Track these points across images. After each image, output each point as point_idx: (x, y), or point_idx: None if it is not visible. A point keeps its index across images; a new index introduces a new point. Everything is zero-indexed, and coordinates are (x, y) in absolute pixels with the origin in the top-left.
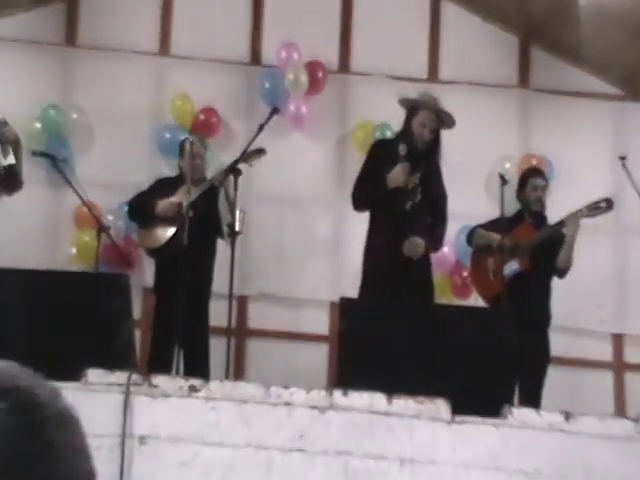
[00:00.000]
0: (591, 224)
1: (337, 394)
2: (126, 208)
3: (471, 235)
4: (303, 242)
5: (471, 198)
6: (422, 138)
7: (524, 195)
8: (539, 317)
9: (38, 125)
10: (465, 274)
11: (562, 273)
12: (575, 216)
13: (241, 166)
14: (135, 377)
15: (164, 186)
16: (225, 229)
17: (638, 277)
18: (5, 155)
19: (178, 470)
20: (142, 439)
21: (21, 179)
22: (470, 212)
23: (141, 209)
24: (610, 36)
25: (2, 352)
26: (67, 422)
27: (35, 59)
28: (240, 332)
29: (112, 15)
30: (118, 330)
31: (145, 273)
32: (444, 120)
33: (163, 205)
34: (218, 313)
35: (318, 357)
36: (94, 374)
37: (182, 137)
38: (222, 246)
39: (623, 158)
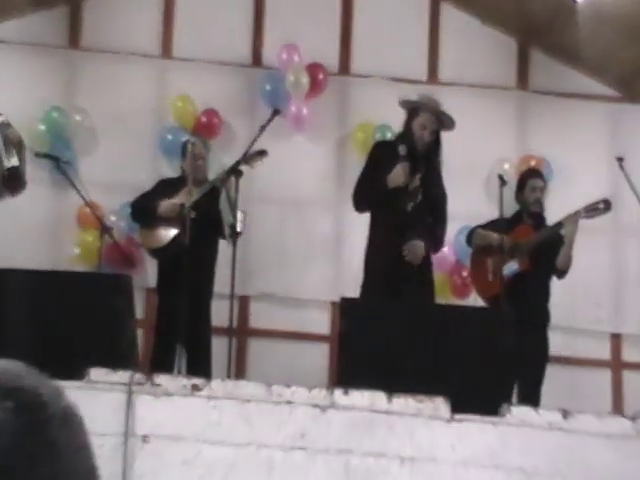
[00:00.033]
0: (589, 225)
1: (338, 393)
2: (129, 209)
3: (471, 235)
4: (304, 243)
5: (470, 199)
6: (422, 139)
7: (523, 196)
8: (538, 317)
9: (42, 127)
10: (465, 274)
11: (561, 274)
12: (573, 217)
13: (243, 167)
14: (138, 376)
15: (166, 187)
16: (227, 230)
17: (636, 277)
18: (9, 157)
19: (180, 469)
20: (145, 438)
21: (24, 180)
22: (469, 213)
23: (144, 210)
24: (607, 38)
25: (6, 352)
26: (70, 421)
27: (39, 62)
28: (242, 332)
29: (115, 18)
30: (121, 330)
31: (147, 273)
32: (444, 122)
33: (165, 206)
34: (220, 313)
35: (319, 356)
36: (97, 373)
37: (184, 138)
38: (224, 246)
39: (620, 159)
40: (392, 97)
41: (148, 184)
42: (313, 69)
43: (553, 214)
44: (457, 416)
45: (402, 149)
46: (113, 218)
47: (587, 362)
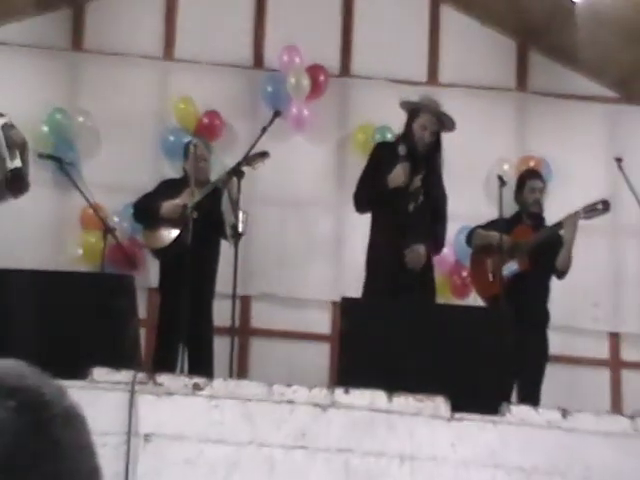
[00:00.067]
0: (588, 225)
1: (338, 392)
2: (131, 210)
3: (470, 236)
4: (305, 243)
5: (470, 199)
6: (423, 140)
7: (522, 197)
8: (538, 317)
9: (45, 128)
10: (464, 274)
11: (561, 274)
12: (573, 218)
13: (244, 168)
14: (140, 376)
15: (169, 188)
16: (228, 230)
17: (634, 277)
18: (12, 158)
19: (183, 468)
20: (147, 437)
21: (27, 182)
22: (469, 213)
23: (146, 211)
24: (605, 40)
25: (10, 351)
26: (73, 420)
27: (42, 64)
28: (243, 331)
29: (117, 21)
30: (123, 329)
31: (150, 273)
32: (445, 123)
33: (168, 207)
34: (222, 313)
35: (320, 356)
36: (100, 373)
37: (186, 140)
38: (225, 247)
39: (619, 160)
40: (392, 98)
41: (150, 185)
42: (314, 71)
43: (552, 214)
44: (457, 415)
45: (402, 149)
46: (116, 219)
47: (586, 361)
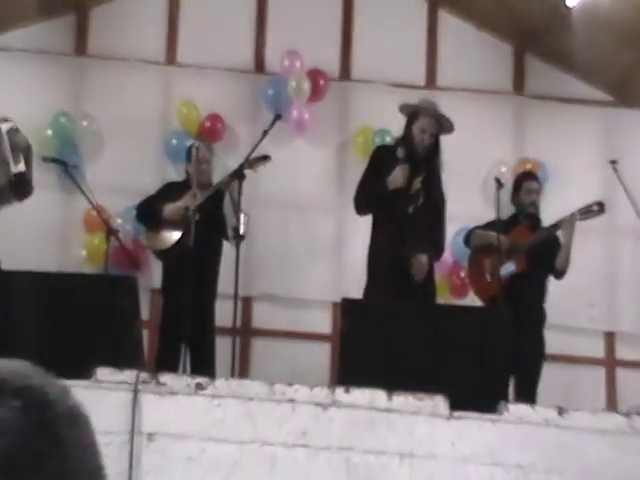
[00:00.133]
0: (584, 226)
1: (339, 391)
2: (134, 212)
3: (468, 236)
4: (306, 244)
5: (468, 201)
6: (422, 143)
7: (519, 198)
8: (535, 317)
9: (49, 132)
10: (462, 275)
11: (560, 274)
12: (569, 220)
13: (246, 171)
14: (143, 375)
15: (171, 190)
16: (230, 232)
17: (629, 277)
18: (16, 162)
19: (185, 466)
20: (150, 436)
21: (31, 186)
22: (467, 214)
23: (149, 212)
24: (601, 44)
25: (15, 352)
26: (77, 419)
27: (46, 69)
28: (245, 332)
29: (120, 26)
30: (126, 330)
31: (153, 275)
32: (443, 125)
33: (170, 209)
34: (223, 313)
35: (321, 356)
36: (103, 372)
37: (189, 143)
38: (227, 248)
39: (614, 162)
40: (391, 102)
41: (153, 188)
42: (314, 75)
43: (549, 216)
44: (456, 414)
45: (400, 152)
46: (119, 221)
47: (582, 360)
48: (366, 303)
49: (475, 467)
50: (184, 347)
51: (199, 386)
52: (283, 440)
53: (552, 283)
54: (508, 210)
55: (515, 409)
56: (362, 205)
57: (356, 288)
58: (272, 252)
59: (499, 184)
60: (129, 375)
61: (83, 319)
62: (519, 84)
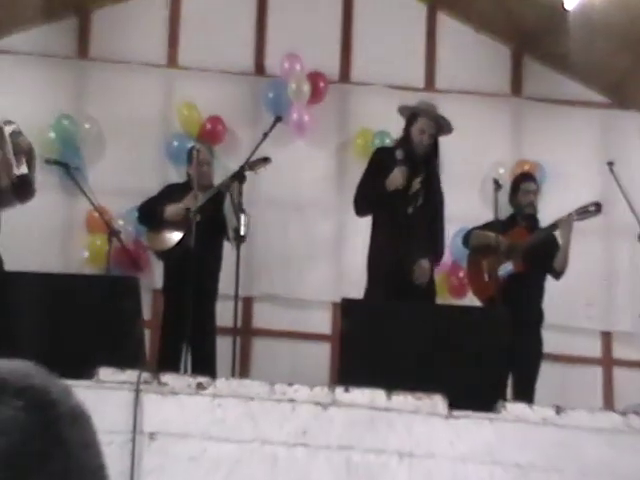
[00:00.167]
0: (581, 227)
1: (339, 391)
2: (136, 213)
3: (467, 237)
4: (306, 245)
5: (467, 202)
6: (422, 144)
7: (516, 199)
8: (533, 316)
9: (52, 134)
10: (461, 275)
11: (558, 274)
12: (567, 220)
13: (246, 173)
14: (145, 375)
15: (172, 192)
16: (231, 233)
17: (626, 277)
18: (18, 165)
19: (187, 465)
20: (152, 435)
21: (33, 188)
22: (466, 215)
23: (150, 214)
24: (599, 47)
25: (18, 352)
26: (79, 419)
27: (49, 72)
28: (245, 332)
29: (122, 29)
30: (128, 330)
31: (154, 275)
32: (442, 126)
33: (171, 210)
34: (224, 313)
35: (321, 356)
36: (106, 372)
37: (190, 145)
38: (228, 249)
39: (611, 163)
40: (390, 104)
41: (155, 189)
42: (314, 77)
43: (547, 216)
44: (454, 413)
45: (399, 154)
46: (121, 222)
47: (579, 359)
48: (366, 303)
49: (473, 466)
50: (185, 347)
51: (200, 386)
52: (284, 439)
53: (550, 283)
54: (506, 211)
55: (513, 408)
56: (362, 206)
57: (356, 288)
58: (272, 253)
59: (497, 185)
60: (131, 375)
61: (85, 319)
62: (517, 86)
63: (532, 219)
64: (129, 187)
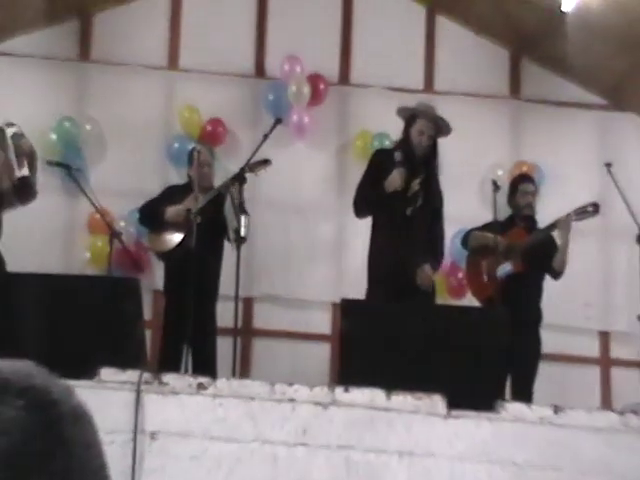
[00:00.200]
0: (579, 227)
1: (339, 391)
2: (137, 214)
3: (466, 238)
4: (306, 246)
5: (465, 203)
6: (421, 145)
7: (515, 200)
8: (531, 316)
9: (54, 136)
10: (460, 275)
11: (557, 275)
12: (565, 220)
13: (247, 174)
14: (146, 375)
15: (173, 193)
16: (231, 234)
17: (623, 277)
18: (20, 167)
19: (188, 464)
20: (153, 435)
21: (35, 190)
22: (465, 216)
23: (151, 215)
24: (596, 49)
25: (19, 352)
26: (80, 419)
27: (51, 74)
28: (246, 332)
29: (123, 32)
30: (130, 331)
31: (155, 276)
32: (441, 127)
33: (172, 211)
34: (225, 314)
35: (321, 356)
36: (107, 373)
37: (190, 147)
38: (228, 250)
39: (609, 165)
40: (390, 106)
41: (156, 191)
42: (314, 79)
43: (545, 217)
44: (453, 412)
45: (397, 155)
46: (122, 223)
47: (577, 359)
48: (365, 304)
49: (472, 465)
50: (186, 347)
51: (201, 386)
52: (284, 439)
53: (548, 283)
54: (505, 212)
55: (511, 407)
56: (361, 208)
57: (356, 289)
58: (273, 254)
59: (496, 186)
60: (132, 375)
61: (87, 320)
62: (516, 88)
63: (530, 220)
64: (130, 188)
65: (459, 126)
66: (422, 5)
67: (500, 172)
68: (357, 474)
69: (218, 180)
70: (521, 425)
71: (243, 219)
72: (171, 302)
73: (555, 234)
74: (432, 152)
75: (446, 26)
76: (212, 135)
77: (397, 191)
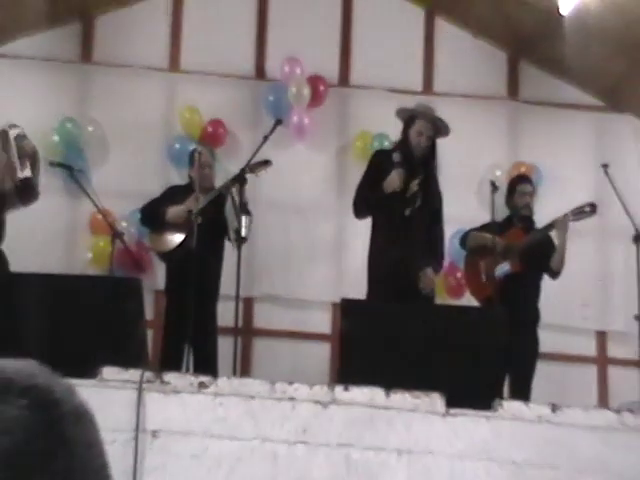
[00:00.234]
0: (577, 228)
1: (338, 389)
2: (139, 215)
3: (465, 238)
4: (306, 246)
5: (464, 204)
6: (420, 146)
7: (513, 201)
8: (529, 316)
9: (56, 138)
10: (459, 275)
11: (555, 275)
12: (563, 220)
13: (247, 175)
14: (148, 374)
15: (174, 194)
16: (232, 234)
17: (620, 277)
18: (22, 168)
19: (189, 462)
20: (154, 433)
21: (37, 191)
22: (463, 217)
23: (153, 215)
24: (594, 51)
25: (22, 352)
26: (82, 418)
27: (53, 76)
28: (246, 332)
29: (125, 34)
30: (131, 330)
31: (157, 276)
32: (440, 128)
33: (173, 212)
34: (225, 314)
35: (320, 355)
36: (109, 372)
37: (191, 148)
38: (229, 250)
39: (606, 165)
40: (389, 107)
41: (157, 191)
42: (314, 81)
43: (543, 218)
44: (452, 411)
45: (396, 156)
46: (124, 224)
47: (575, 358)
48: (365, 303)
49: (471, 463)
50: (187, 347)
51: (202, 385)
52: (284, 437)
53: (546, 283)
54: (503, 212)
55: (509, 406)
56: (360, 209)
57: (355, 289)
58: (273, 254)
59: (494, 187)
60: (134, 374)
61: (89, 320)
62: (514, 90)
63: (528, 220)
64: (132, 189)
65: (458, 127)
66: (421, 7)
67: (498, 173)
68: (357, 472)
69: (219, 181)
70: (519, 423)
71: (244, 219)
72: (172, 302)
73: (553, 234)
74: (431, 153)
75: (445, 28)
76: (213, 136)
77: (396, 192)
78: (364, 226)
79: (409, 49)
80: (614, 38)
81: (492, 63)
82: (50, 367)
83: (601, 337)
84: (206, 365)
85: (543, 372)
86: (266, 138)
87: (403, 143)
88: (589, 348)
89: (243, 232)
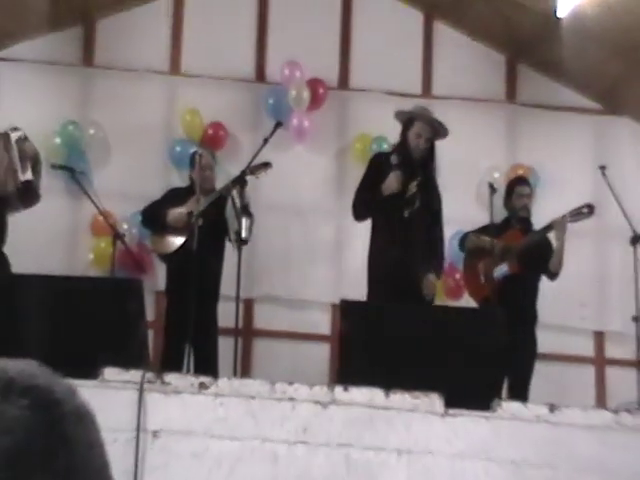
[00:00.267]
0: (575, 229)
1: (338, 390)
2: (140, 217)
3: (463, 240)
4: (306, 247)
5: (463, 205)
6: (418, 148)
7: (511, 202)
8: (527, 317)
9: (58, 140)
10: (457, 276)
11: (553, 276)
12: (561, 222)
13: (248, 177)
14: (149, 375)
15: (175, 196)
16: (233, 236)
17: (618, 278)
18: (24, 171)
19: (189, 462)
20: (155, 433)
21: (38, 194)
22: (462, 218)
23: (154, 217)
24: (591, 54)
25: (23, 352)
26: (83, 418)
27: (55, 79)
28: (247, 332)
29: (126, 37)
30: (132, 331)
31: (157, 277)
32: (438, 130)
33: (174, 214)
34: (226, 315)
35: (320, 356)
36: (110, 372)
37: (192, 150)
38: (230, 251)
39: (603, 167)
40: (388, 110)
41: (158, 193)
42: (314, 84)
43: (541, 220)
44: (451, 411)
45: (394, 158)
46: (125, 226)
47: (573, 359)
48: (364, 304)
49: (470, 462)
50: (188, 347)
51: (203, 385)
52: (284, 437)
53: (544, 284)
54: (501, 214)
55: (508, 406)
56: (360, 211)
57: (355, 290)
58: (273, 255)
59: (492, 189)
60: (135, 375)
61: (90, 321)
62: (512, 93)
63: (526, 222)
64: (133, 191)
65: (456, 130)
66: (420, 11)
67: (497, 175)
68: (356, 472)
69: (219, 183)
70: (518, 423)
71: (244, 221)
72: (173, 303)
73: (551, 235)
74: (430, 155)
75: (443, 32)
76: (213, 138)
77: (394, 194)
78: (364, 227)
79: (408, 52)
80: (611, 41)
81: (490, 66)
82: (51, 368)
83: (599, 337)
84: (207, 366)
85: (541, 372)
86: (266, 140)
87: (402, 145)
88: (587, 348)
89: (244, 234)
